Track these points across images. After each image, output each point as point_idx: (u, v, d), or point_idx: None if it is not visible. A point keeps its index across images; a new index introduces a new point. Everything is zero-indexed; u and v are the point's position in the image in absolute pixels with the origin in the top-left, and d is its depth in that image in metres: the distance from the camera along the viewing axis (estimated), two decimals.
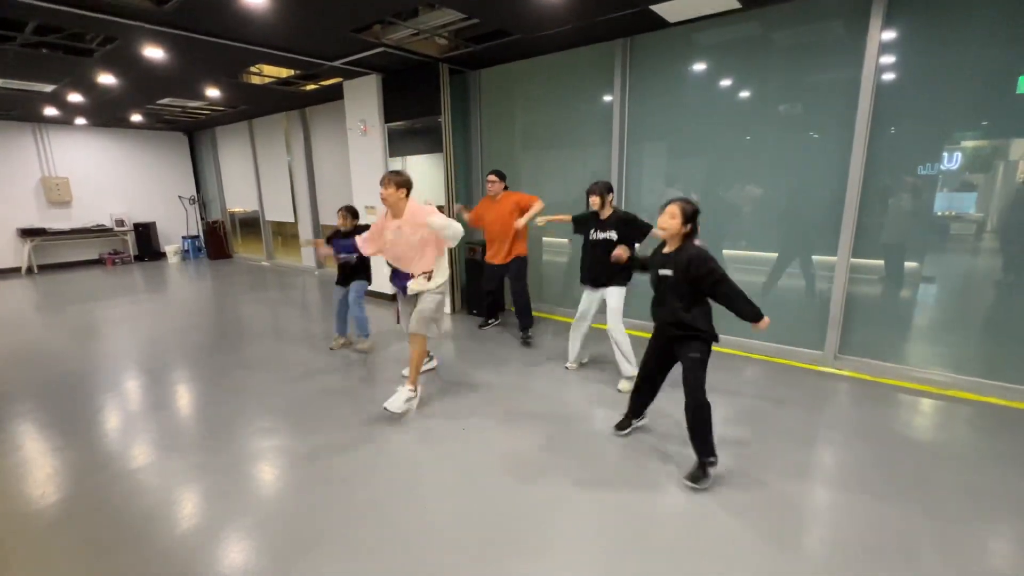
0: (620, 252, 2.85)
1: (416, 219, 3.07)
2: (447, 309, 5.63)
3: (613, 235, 3.45)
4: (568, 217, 3.77)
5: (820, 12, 3.57)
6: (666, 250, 2.45)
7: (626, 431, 2.88)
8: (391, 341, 4.63)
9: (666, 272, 2.40)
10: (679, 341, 2.44)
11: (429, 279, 3.18)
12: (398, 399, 3.15)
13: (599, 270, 3.50)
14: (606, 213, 3.50)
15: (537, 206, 4.22)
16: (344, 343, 4.50)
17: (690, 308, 2.38)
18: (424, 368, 3.50)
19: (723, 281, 2.30)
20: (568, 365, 3.92)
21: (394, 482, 2.51)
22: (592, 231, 3.54)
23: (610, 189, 3.51)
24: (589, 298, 3.65)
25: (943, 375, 3.51)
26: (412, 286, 3.20)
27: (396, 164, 5.97)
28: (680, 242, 2.39)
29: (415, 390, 3.26)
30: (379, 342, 4.59)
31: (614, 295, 3.51)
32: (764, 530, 2.12)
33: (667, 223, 2.36)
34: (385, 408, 3.11)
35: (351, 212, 4.22)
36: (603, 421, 3.10)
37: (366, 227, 4.22)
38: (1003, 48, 3.07)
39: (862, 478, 2.48)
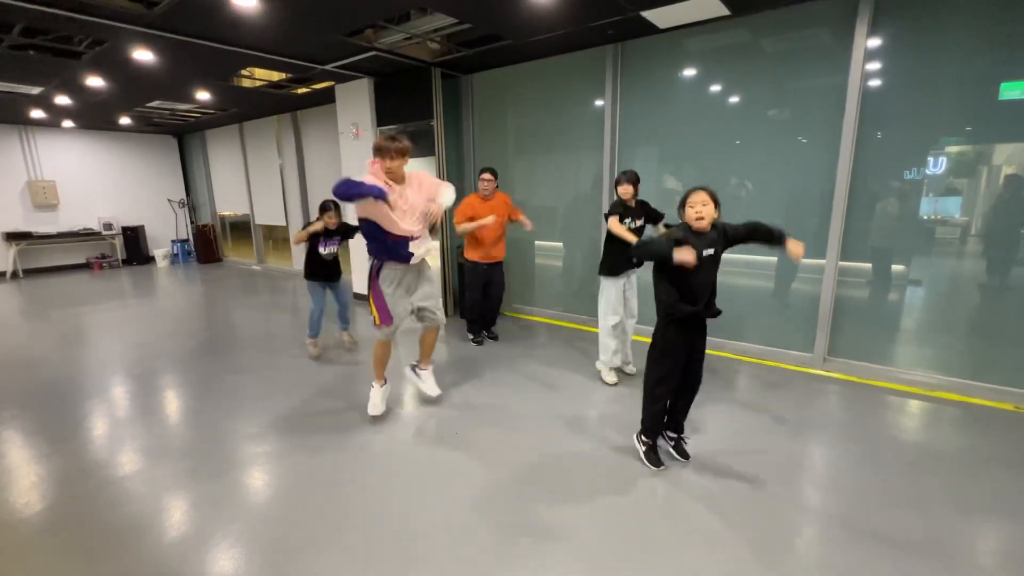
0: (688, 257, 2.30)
1: (422, 183, 3.00)
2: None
3: (642, 221, 3.51)
4: (633, 239, 3.33)
5: (807, 19, 3.63)
6: (696, 230, 2.37)
7: (662, 467, 2.61)
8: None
9: (710, 252, 2.36)
10: (702, 332, 2.50)
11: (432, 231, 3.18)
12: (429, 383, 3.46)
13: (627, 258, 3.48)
14: (633, 201, 3.47)
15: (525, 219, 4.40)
16: (321, 349, 4.36)
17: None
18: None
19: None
20: (608, 379, 3.71)
21: (386, 486, 2.49)
22: (630, 219, 3.46)
23: (639, 179, 3.47)
24: (617, 287, 3.57)
25: (930, 377, 3.56)
26: (418, 249, 3.03)
27: None
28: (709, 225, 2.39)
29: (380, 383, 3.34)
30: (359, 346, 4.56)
31: (632, 282, 3.63)
32: (753, 531, 2.13)
33: (705, 211, 2.32)
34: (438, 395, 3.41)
35: (338, 208, 4.03)
36: (599, 424, 3.10)
37: (353, 227, 4.10)
38: (986, 55, 3.14)
39: (850, 479, 2.50)
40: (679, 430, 2.70)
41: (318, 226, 4.01)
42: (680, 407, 2.64)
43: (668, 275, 2.40)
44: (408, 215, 2.95)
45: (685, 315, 2.39)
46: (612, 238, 3.45)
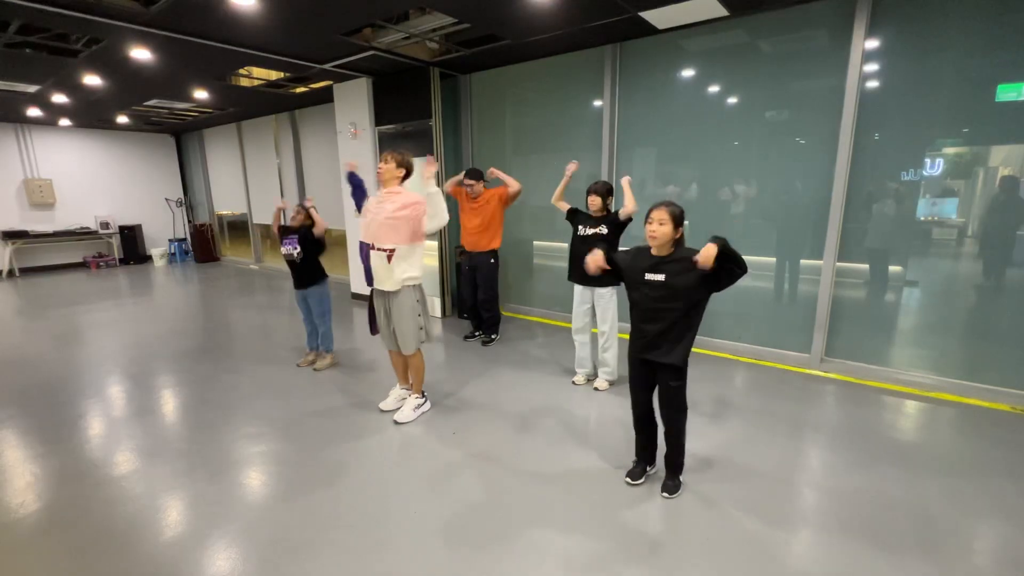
0: (595, 259, 2.34)
1: (404, 199, 2.92)
2: (436, 312, 5.61)
3: (604, 230, 3.36)
4: (565, 205, 3.62)
5: (805, 21, 3.63)
6: (655, 253, 2.22)
7: (640, 480, 2.49)
8: (367, 347, 4.59)
9: (655, 277, 2.19)
10: (660, 366, 2.26)
11: (390, 259, 2.93)
12: (406, 409, 3.21)
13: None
14: (601, 212, 3.41)
15: (515, 184, 4.32)
16: (312, 359, 4.13)
17: (680, 336, 2.19)
18: (420, 411, 3.29)
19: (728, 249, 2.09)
20: (575, 380, 3.71)
21: (382, 487, 2.49)
22: (582, 227, 3.44)
23: (611, 192, 3.42)
24: (581, 296, 3.53)
25: (926, 377, 3.57)
26: (373, 260, 2.99)
27: None
28: (671, 248, 2.21)
29: (423, 396, 3.32)
30: (353, 349, 4.56)
31: (605, 297, 3.43)
32: (748, 532, 2.14)
33: (658, 231, 2.16)
34: (395, 421, 3.16)
35: (307, 212, 3.84)
36: (595, 431, 3.10)
37: (310, 232, 3.82)
38: (983, 57, 3.15)
39: (846, 479, 2.51)
40: (652, 461, 2.56)
41: (277, 215, 3.98)
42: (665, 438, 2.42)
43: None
44: (371, 220, 2.99)
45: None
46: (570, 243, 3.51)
